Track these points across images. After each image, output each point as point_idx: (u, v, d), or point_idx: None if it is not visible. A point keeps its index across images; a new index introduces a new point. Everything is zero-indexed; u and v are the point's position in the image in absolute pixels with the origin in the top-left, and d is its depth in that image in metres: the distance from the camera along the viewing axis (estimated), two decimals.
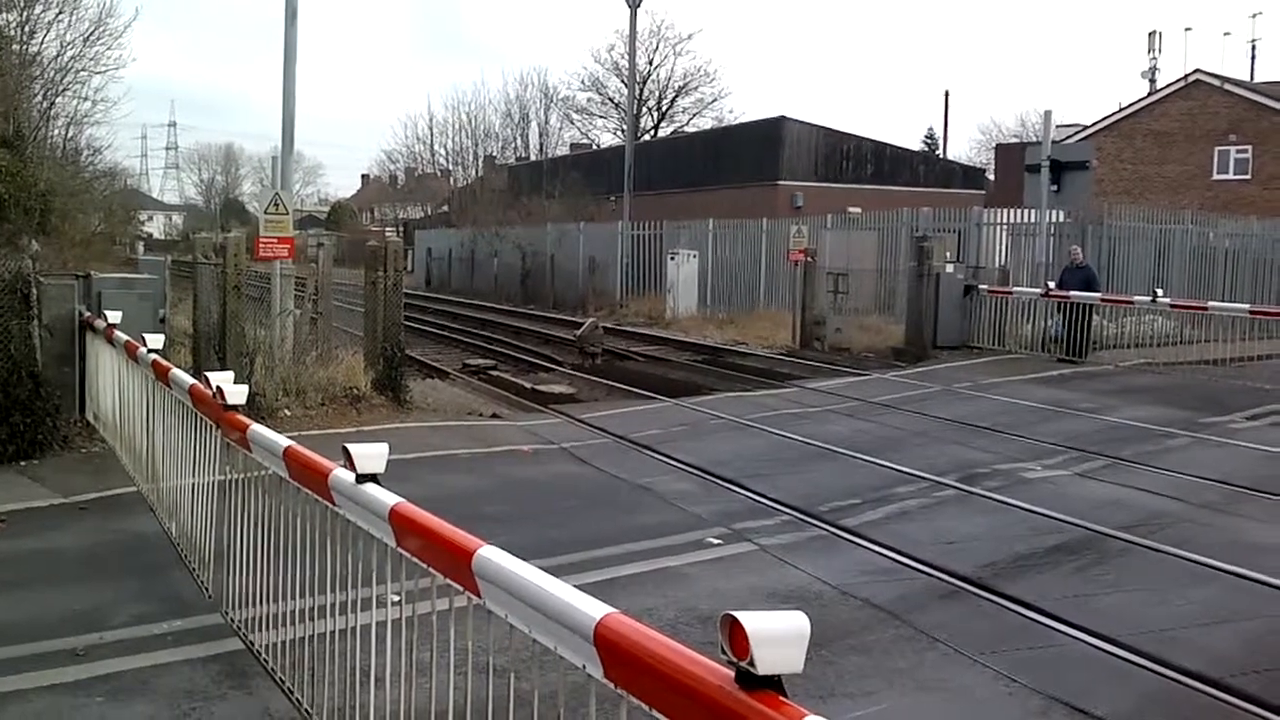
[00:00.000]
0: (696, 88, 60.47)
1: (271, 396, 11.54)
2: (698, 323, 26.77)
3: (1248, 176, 32.24)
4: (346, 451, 3.57)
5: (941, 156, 56.31)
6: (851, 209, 32.62)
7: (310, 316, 14.69)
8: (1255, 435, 12.06)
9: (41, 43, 25.88)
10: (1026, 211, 21.68)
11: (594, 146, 58.44)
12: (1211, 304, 18.45)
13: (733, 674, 2.19)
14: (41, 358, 9.78)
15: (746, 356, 20.33)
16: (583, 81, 62.13)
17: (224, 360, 11.34)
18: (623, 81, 53.09)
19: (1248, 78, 33.26)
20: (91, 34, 26.14)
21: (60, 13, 25.81)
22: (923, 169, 43.22)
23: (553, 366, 19.68)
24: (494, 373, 18.69)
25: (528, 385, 16.40)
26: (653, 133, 58.60)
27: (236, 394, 4.74)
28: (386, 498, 3.44)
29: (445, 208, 63.48)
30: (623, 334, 24.86)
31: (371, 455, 3.56)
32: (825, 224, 26.28)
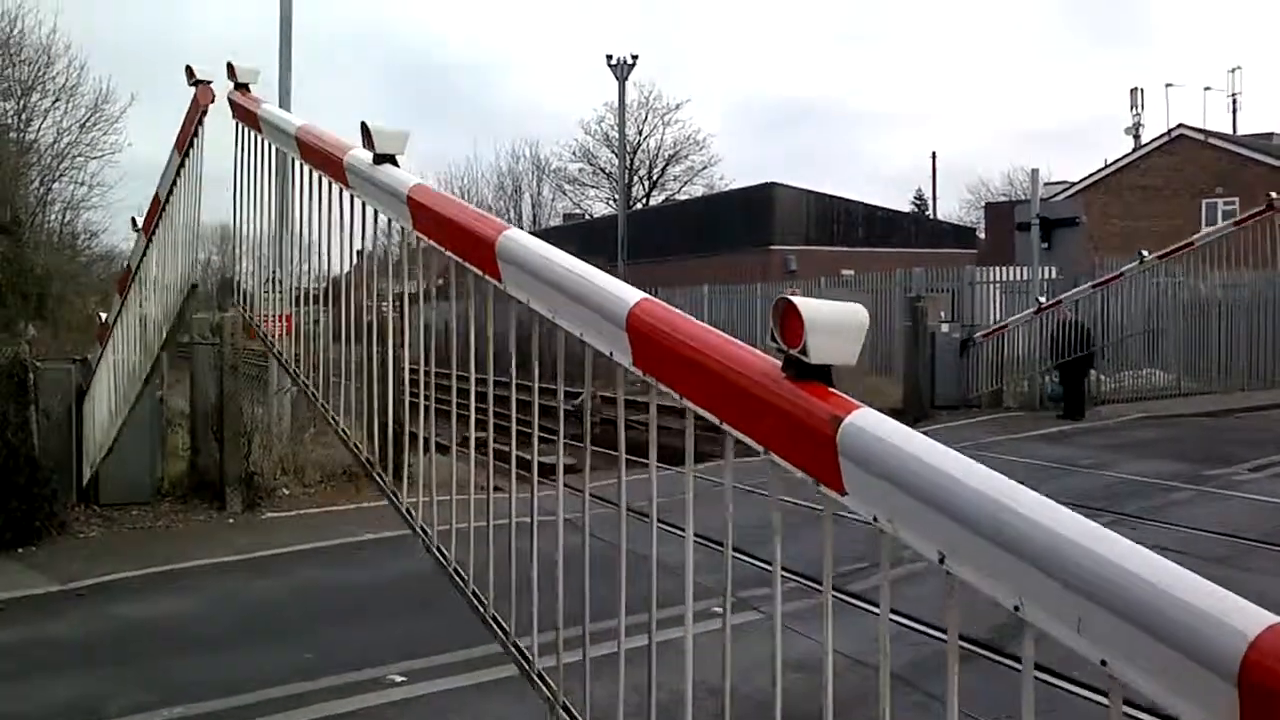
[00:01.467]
0: (686, 156, 59.51)
1: (269, 475, 11.38)
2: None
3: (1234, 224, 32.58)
4: (365, 129, 3.30)
5: (931, 217, 55.81)
6: (844, 271, 32.50)
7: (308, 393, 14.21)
8: (1260, 487, 11.74)
9: (39, 130, 26.14)
10: (1019, 269, 21.69)
11: (587, 216, 57.53)
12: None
13: (780, 363, 2.01)
14: (38, 443, 9.62)
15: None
16: (574, 153, 61.11)
17: (221, 440, 11.16)
18: (613, 152, 51.57)
19: (1230, 131, 33.60)
20: (88, 120, 26.39)
21: (57, 100, 26.05)
22: (914, 229, 43.12)
23: (552, 437, 18.93)
24: (492, 444, 17.97)
25: (526, 456, 15.80)
26: (645, 201, 57.50)
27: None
28: (406, 177, 3.19)
29: (441, 281, 64.99)
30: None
31: (392, 135, 3.29)
32: (819, 287, 25.99)
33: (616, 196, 49.01)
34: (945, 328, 19.55)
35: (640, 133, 58.13)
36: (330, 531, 10.16)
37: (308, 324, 3.82)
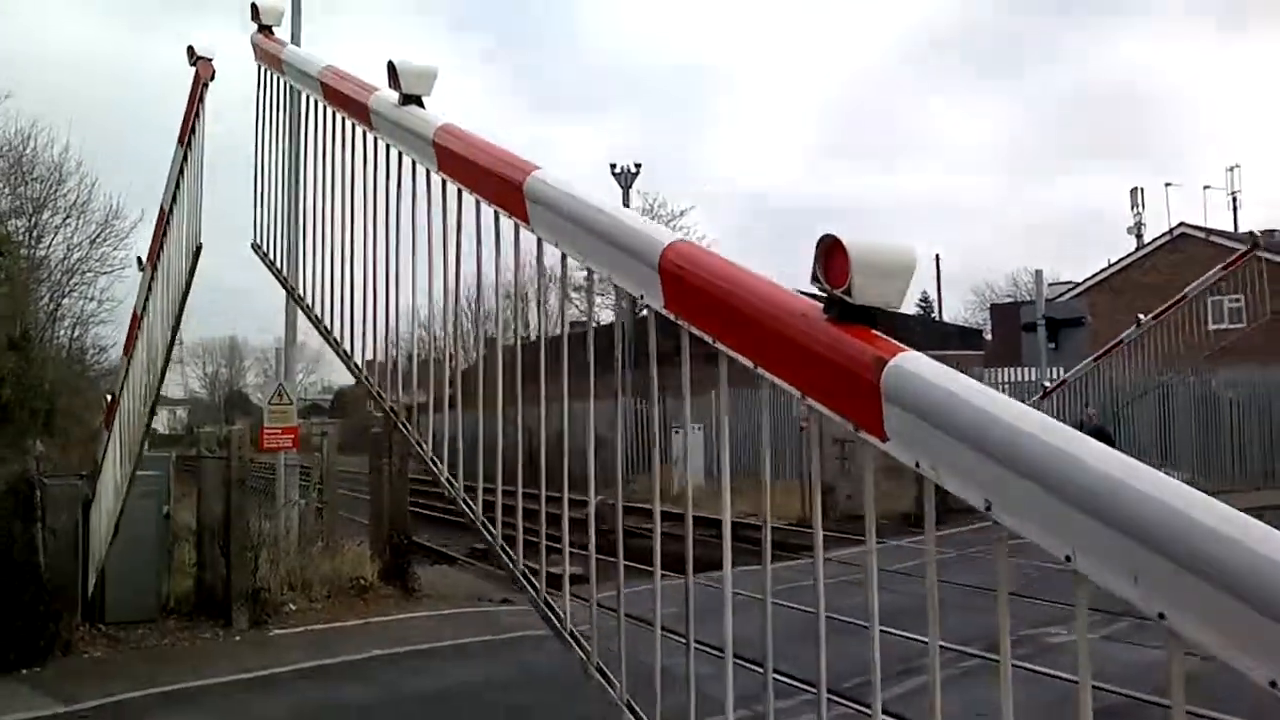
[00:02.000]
0: None
1: (277, 590, 11.24)
2: (706, 495, 25.38)
3: (1244, 325, 32.34)
4: (391, 67, 3.21)
5: (937, 319, 55.24)
6: None
7: (315, 506, 14.20)
8: None
9: (49, 246, 26.17)
10: (1027, 369, 21.37)
11: (594, 324, 58.28)
12: None
13: (822, 304, 1.94)
14: (44, 560, 9.42)
15: (759, 529, 19.46)
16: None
17: (228, 555, 11.04)
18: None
19: (1231, 229, 33.51)
20: (98, 236, 26.40)
21: (68, 217, 26.10)
22: (920, 331, 42.23)
23: (562, 546, 18.56)
24: None
25: (537, 568, 15.64)
26: (649, 308, 57.91)
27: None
28: (432, 117, 3.10)
29: (450, 391, 65.90)
30: (631, 510, 23.51)
31: (419, 74, 3.19)
32: None
33: (623, 303, 49.97)
34: None
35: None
36: (338, 648, 10.14)
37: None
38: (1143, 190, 38.92)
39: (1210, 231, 34.39)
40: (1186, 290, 20.59)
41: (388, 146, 3.35)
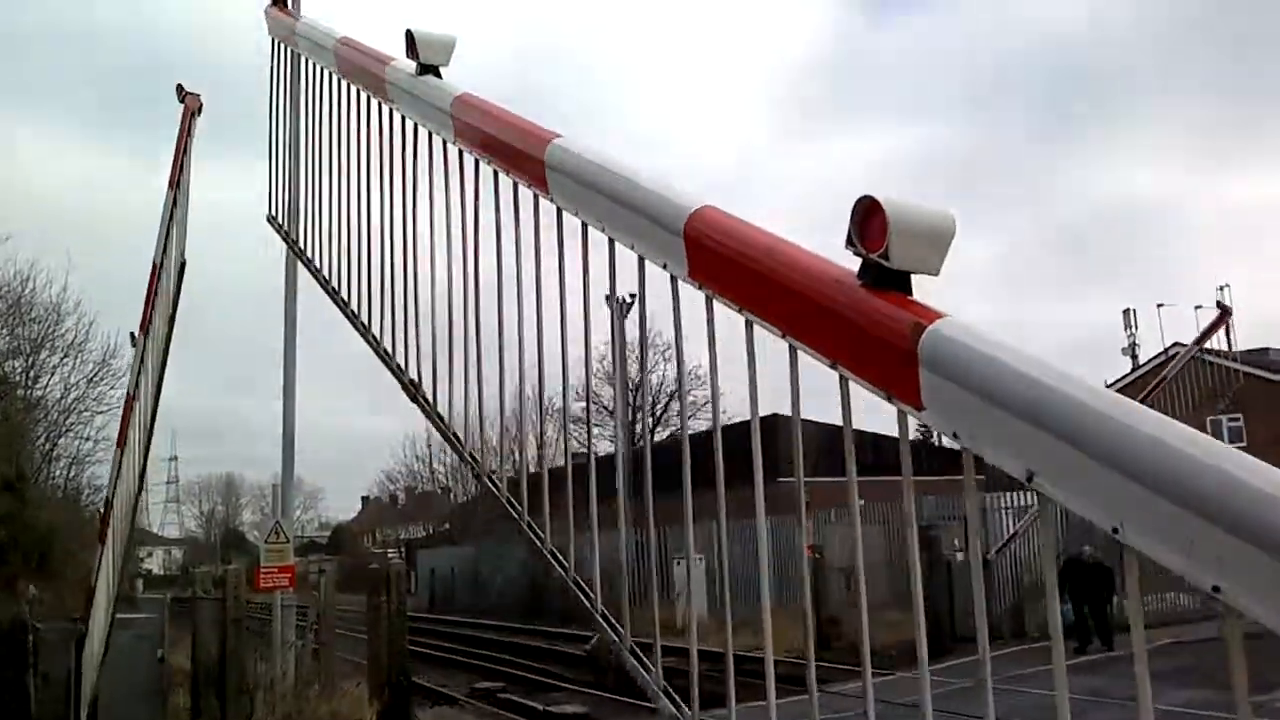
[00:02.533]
0: (689, 391, 59.21)
1: None
2: (710, 627, 24.43)
3: (1244, 444, 32.31)
4: (410, 36, 3.14)
5: (939, 444, 54.74)
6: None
7: (312, 647, 13.85)
8: None
9: (46, 386, 25.92)
10: (1029, 493, 21.09)
11: (592, 455, 57.73)
12: None
13: (856, 269, 1.87)
14: (35, 708, 9.11)
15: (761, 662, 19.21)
16: (576, 391, 60.66)
17: (224, 700, 10.72)
18: (615, 390, 50.30)
19: (1226, 348, 33.69)
20: (95, 375, 26.12)
21: (65, 356, 25.86)
22: (923, 454, 41.54)
23: (564, 685, 18.52)
24: (504, 695, 17.33)
25: (539, 708, 15.55)
26: (651, 437, 57.52)
27: None
28: (449, 87, 3.04)
29: (447, 525, 63.42)
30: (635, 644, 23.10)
31: (438, 43, 3.13)
32: (829, 518, 24.76)
33: (619, 434, 49.30)
34: (960, 556, 18.87)
35: (641, 369, 57.61)
36: None
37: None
38: (1135, 311, 39.09)
39: (1206, 351, 34.57)
40: (1164, 374, 20.56)
41: (403, 118, 3.29)
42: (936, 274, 1.83)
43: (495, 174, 2.82)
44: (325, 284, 3.83)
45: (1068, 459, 1.51)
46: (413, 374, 3.17)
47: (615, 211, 2.38)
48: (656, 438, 58.40)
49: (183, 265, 6.06)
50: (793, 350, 2.00)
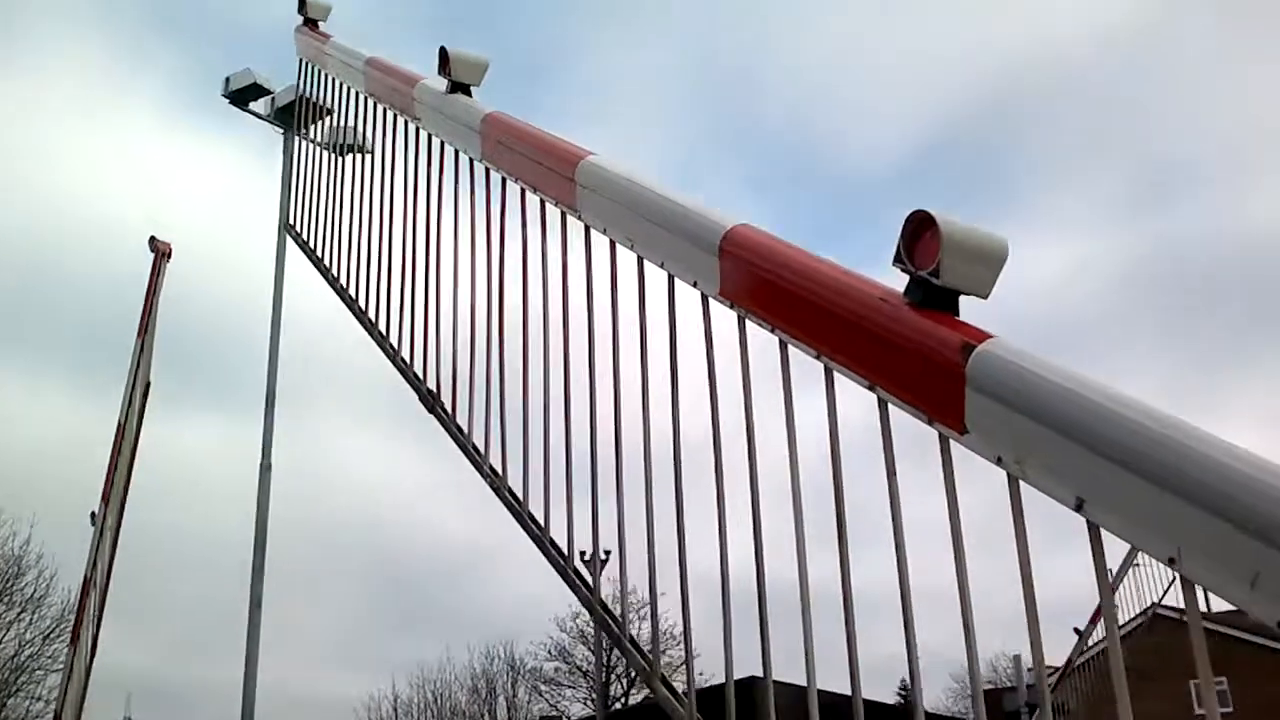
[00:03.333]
0: (666, 650, 57.58)
1: None
2: None
3: (1230, 709, 32.20)
4: (444, 53, 3.14)
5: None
6: None
7: None
8: None
9: (1, 642, 25.06)
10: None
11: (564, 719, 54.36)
12: None
13: (903, 287, 1.83)
14: None
15: None
16: (549, 651, 58.76)
17: None
18: (589, 649, 48.55)
19: (1206, 609, 33.66)
20: (52, 631, 25.25)
21: (23, 611, 25.24)
22: None
23: None
24: None
25: None
26: (623, 700, 56.59)
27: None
28: (480, 105, 3.04)
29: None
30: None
31: (471, 62, 3.12)
32: None
33: (594, 696, 46.71)
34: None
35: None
36: None
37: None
38: (1111, 571, 39.11)
39: (1184, 613, 34.42)
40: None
41: (430, 135, 3.28)
42: (986, 297, 1.79)
43: (522, 191, 2.80)
44: (342, 292, 3.79)
45: (1119, 482, 1.45)
46: (430, 385, 3.10)
47: (646, 229, 2.35)
48: (632, 700, 54.75)
49: (148, 386, 6.02)
50: (828, 371, 1.95)
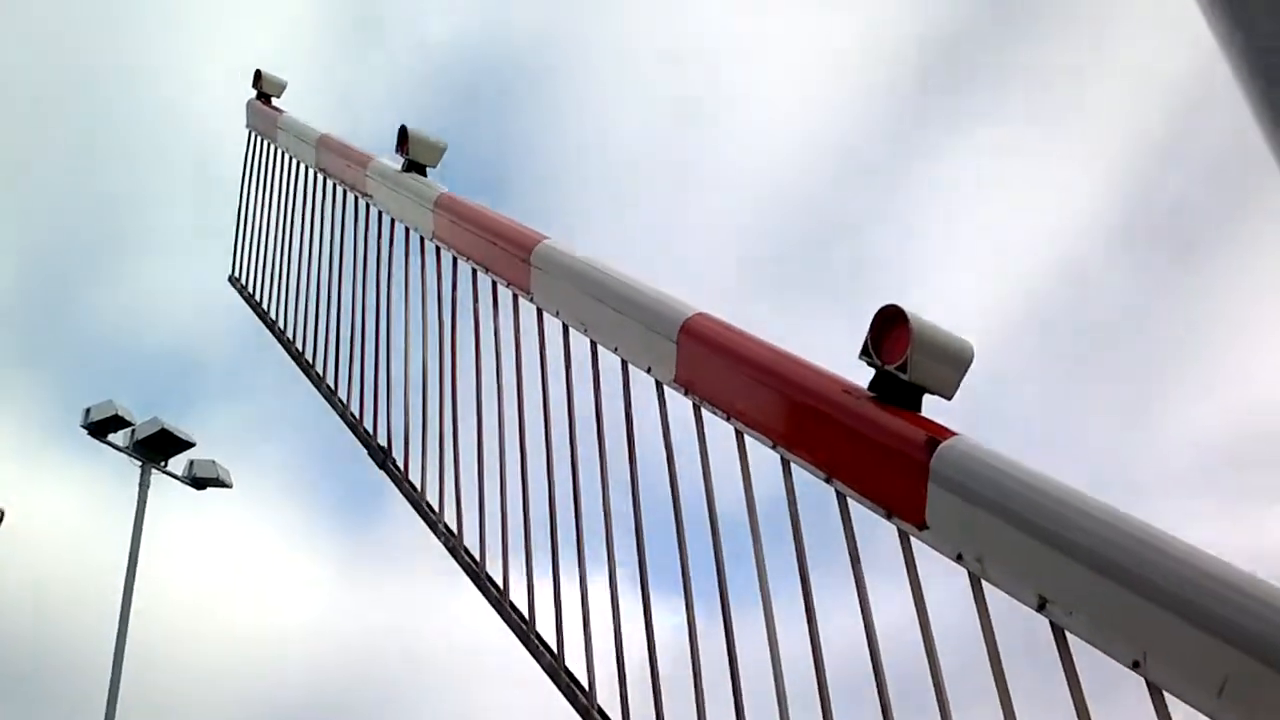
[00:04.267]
0: None
1: None
2: None
3: None
4: (403, 131, 3.13)
5: None
6: None
7: None
8: None
9: None
10: None
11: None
12: None
13: (867, 383, 1.82)
14: None
15: None
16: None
17: None
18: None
19: None
20: None
21: None
22: None
23: None
24: None
25: None
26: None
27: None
28: (435, 185, 3.02)
29: None
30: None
31: (430, 144, 3.12)
32: None
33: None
34: None
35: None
36: None
37: None
38: None
39: None
40: None
41: (380, 213, 3.25)
42: (950, 398, 1.78)
43: (474, 271, 2.76)
44: (289, 345, 3.67)
45: (1084, 582, 1.43)
46: (381, 440, 2.98)
47: (602, 313, 2.32)
48: None
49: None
50: (785, 463, 1.92)
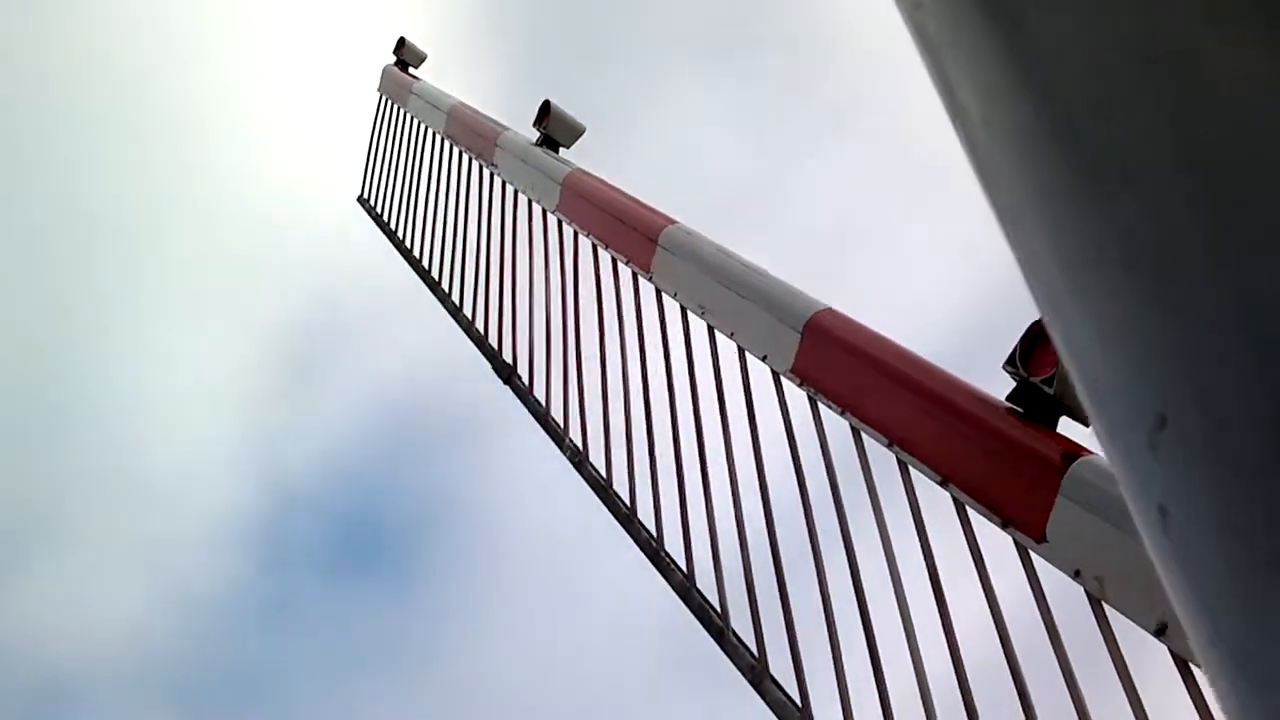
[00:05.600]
0: None
1: None
2: None
3: None
4: (546, 105, 3.18)
5: None
6: None
7: None
8: None
9: None
10: None
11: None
12: None
13: (1006, 395, 1.79)
14: None
15: None
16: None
17: None
18: None
19: None
20: None
21: None
22: None
23: None
24: None
25: None
26: None
27: None
28: (565, 160, 3.07)
29: None
30: None
31: (570, 125, 3.17)
32: None
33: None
34: None
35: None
36: None
37: None
38: None
39: None
40: None
41: (504, 182, 3.28)
42: (1088, 425, 1.75)
43: (594, 247, 2.78)
44: (415, 262, 3.71)
45: None
46: (506, 357, 2.98)
47: (726, 299, 2.32)
48: None
49: None
50: (902, 464, 1.89)
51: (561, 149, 3.16)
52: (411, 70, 4.31)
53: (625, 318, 2.56)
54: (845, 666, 1.83)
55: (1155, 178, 0.29)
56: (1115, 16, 0.29)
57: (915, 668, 1.70)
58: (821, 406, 2.08)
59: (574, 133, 3.15)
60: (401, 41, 4.35)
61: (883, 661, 1.77)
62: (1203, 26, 0.28)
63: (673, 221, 2.60)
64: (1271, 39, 0.27)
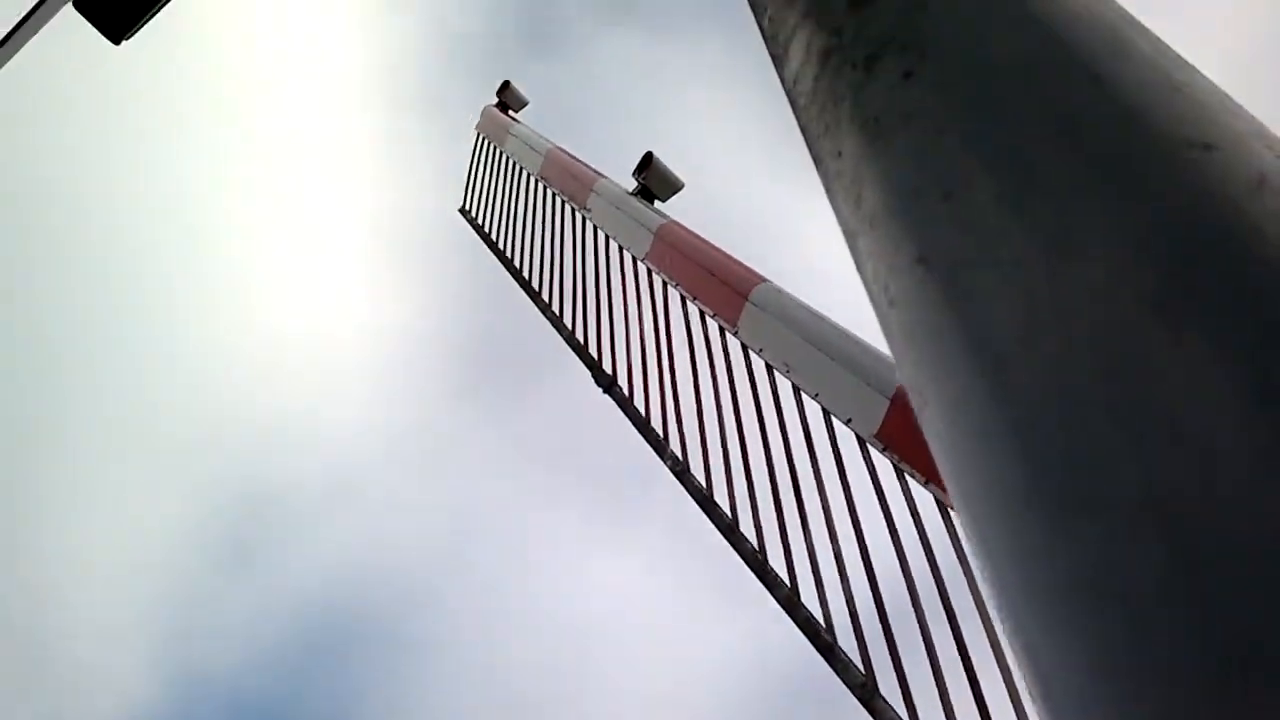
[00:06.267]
0: None
1: None
2: None
3: None
4: (648, 156, 3.24)
5: None
6: None
7: None
8: None
9: None
10: None
11: None
12: None
13: None
14: None
15: None
16: None
17: None
18: None
19: None
20: None
21: None
22: None
23: None
24: None
25: None
26: None
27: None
28: (660, 212, 3.11)
29: None
30: None
31: (671, 179, 3.22)
32: None
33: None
34: None
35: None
36: None
37: None
38: None
39: None
40: None
41: (595, 228, 3.34)
42: None
43: (683, 299, 2.81)
44: (516, 272, 3.80)
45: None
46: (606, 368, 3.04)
47: (814, 359, 2.33)
48: None
49: None
50: None
51: (657, 201, 3.21)
52: (512, 113, 4.43)
53: (716, 365, 2.58)
54: (949, 686, 1.79)
55: None
56: None
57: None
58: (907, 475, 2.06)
59: (672, 186, 3.20)
60: (505, 84, 4.48)
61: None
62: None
63: (763, 280, 2.62)
64: None
